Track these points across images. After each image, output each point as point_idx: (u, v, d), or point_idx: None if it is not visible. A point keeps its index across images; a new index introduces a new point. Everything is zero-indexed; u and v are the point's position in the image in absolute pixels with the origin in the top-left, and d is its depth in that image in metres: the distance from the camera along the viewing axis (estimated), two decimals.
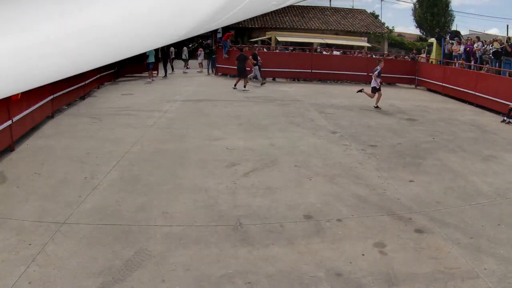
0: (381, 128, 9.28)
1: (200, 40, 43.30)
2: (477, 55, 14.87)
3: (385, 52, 26.43)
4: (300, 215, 4.81)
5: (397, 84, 18.80)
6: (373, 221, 4.71)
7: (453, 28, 30.80)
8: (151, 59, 16.88)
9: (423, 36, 33.36)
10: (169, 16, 1.15)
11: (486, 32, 27.73)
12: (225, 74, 18.79)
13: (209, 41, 35.06)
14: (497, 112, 11.70)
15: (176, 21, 1.19)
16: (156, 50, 18.12)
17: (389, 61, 19.44)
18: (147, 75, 17.20)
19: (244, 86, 14.61)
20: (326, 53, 20.21)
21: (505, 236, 4.39)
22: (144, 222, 4.54)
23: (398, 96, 14.88)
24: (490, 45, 14.25)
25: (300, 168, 6.42)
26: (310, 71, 18.13)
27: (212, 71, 20.48)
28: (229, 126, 8.96)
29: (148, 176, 5.90)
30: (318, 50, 21.64)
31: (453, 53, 16.59)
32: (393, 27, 39.79)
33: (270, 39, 26.37)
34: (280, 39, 25.59)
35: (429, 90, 17.03)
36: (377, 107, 11.75)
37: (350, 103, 12.67)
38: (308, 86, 16.70)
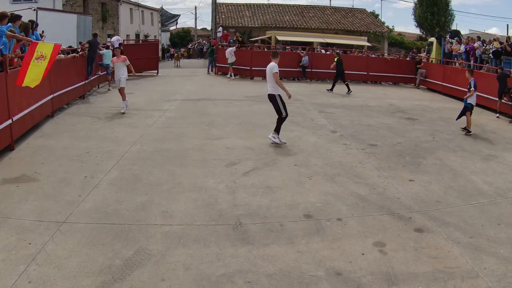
0: (381, 127, 9.28)
1: (199, 40, 43.34)
2: (477, 54, 14.87)
3: (385, 52, 26.43)
4: (300, 214, 4.81)
5: (397, 83, 18.83)
6: (373, 220, 4.71)
7: (453, 27, 30.81)
8: (107, 61, 13.81)
9: (423, 36, 33.36)
10: None
11: (486, 31, 27.73)
12: (225, 73, 18.78)
13: (206, 41, 35.09)
14: (497, 112, 11.70)
15: None
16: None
17: (389, 61, 19.47)
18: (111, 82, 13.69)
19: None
20: (327, 52, 20.18)
21: (505, 236, 4.39)
22: (144, 221, 4.54)
23: (398, 96, 14.89)
24: (491, 44, 14.25)
25: (300, 167, 6.42)
26: (310, 70, 18.13)
27: (212, 70, 20.48)
28: (229, 126, 8.96)
29: (148, 176, 5.90)
30: (318, 49, 21.63)
31: (453, 53, 16.59)
32: (393, 26, 39.92)
33: (270, 38, 26.35)
34: (280, 38, 25.58)
35: (429, 89, 17.04)
36: None
37: (350, 102, 12.67)
38: (307, 85, 16.70)
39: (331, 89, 14.88)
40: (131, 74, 10.62)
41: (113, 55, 15.39)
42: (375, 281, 3.56)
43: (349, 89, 14.60)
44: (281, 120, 7.69)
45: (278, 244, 4.14)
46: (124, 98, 10.24)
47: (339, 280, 3.57)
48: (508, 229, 4.55)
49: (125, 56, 10.47)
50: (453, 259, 3.92)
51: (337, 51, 17.58)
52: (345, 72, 18.06)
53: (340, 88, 15.26)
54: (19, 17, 8.09)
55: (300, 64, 17.93)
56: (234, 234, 4.32)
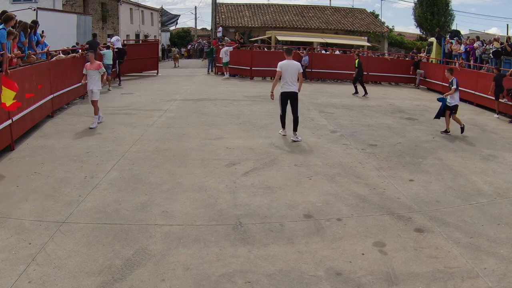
0: (381, 127, 9.28)
1: (199, 40, 43.32)
2: (477, 54, 14.87)
3: (385, 52, 26.43)
4: (300, 215, 4.80)
5: (397, 83, 18.84)
6: (373, 220, 4.71)
7: (453, 27, 30.83)
8: (108, 61, 14.12)
9: (423, 36, 33.37)
10: None
11: (486, 31, 27.76)
12: (223, 73, 18.78)
13: (206, 41, 35.08)
14: (496, 112, 11.71)
15: None
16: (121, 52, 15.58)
17: (390, 61, 19.48)
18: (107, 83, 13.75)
19: None
20: (327, 52, 20.20)
21: (505, 236, 4.39)
22: (144, 221, 4.54)
23: (398, 95, 14.90)
24: (491, 44, 14.26)
25: (300, 167, 6.42)
26: (310, 70, 18.14)
27: (212, 70, 20.48)
28: (229, 125, 8.96)
29: (148, 175, 5.90)
30: (318, 49, 21.63)
31: (453, 53, 16.60)
32: (393, 26, 39.95)
33: (270, 38, 26.37)
34: (280, 38, 25.60)
35: (429, 89, 17.05)
36: None
37: (350, 102, 12.67)
38: (307, 85, 16.69)
39: (365, 93, 14.15)
40: (103, 83, 9.02)
41: (119, 56, 15.22)
42: (375, 281, 3.56)
43: (356, 91, 14.33)
44: (298, 118, 7.91)
45: (278, 244, 4.14)
46: (96, 112, 8.68)
47: (339, 280, 3.57)
48: (508, 229, 4.55)
49: (100, 63, 8.88)
50: (453, 259, 3.92)
51: (357, 53, 17.00)
52: (346, 72, 18.09)
53: (339, 88, 15.27)
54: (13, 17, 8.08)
55: (301, 64, 17.94)
56: (234, 234, 4.32)
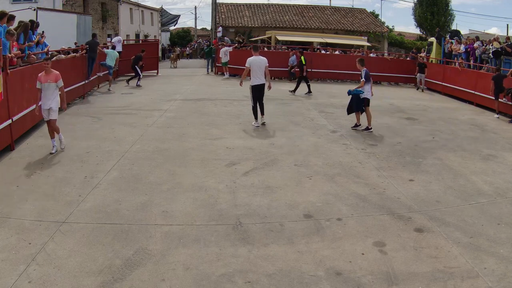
0: (381, 127, 9.28)
1: (199, 40, 43.33)
2: (477, 54, 14.87)
3: (385, 52, 26.43)
4: (300, 214, 4.81)
5: (397, 83, 18.83)
6: (373, 220, 4.71)
7: (453, 27, 30.82)
8: (110, 62, 14.31)
9: (423, 36, 33.36)
10: None
11: (486, 31, 27.78)
12: (223, 73, 18.77)
13: (206, 40, 35.08)
14: (496, 112, 11.70)
15: None
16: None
17: (390, 61, 19.48)
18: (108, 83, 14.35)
19: None
20: (327, 52, 20.19)
21: (505, 236, 4.39)
22: (143, 221, 4.54)
23: (398, 95, 14.89)
24: (490, 44, 14.26)
25: (300, 167, 6.42)
26: (310, 70, 18.10)
27: (212, 70, 20.48)
28: (229, 125, 8.96)
29: (148, 175, 5.90)
30: (317, 49, 21.63)
31: (453, 53, 16.59)
32: (393, 26, 39.96)
33: (270, 38, 26.36)
34: (280, 38, 25.59)
35: (429, 89, 17.04)
36: None
37: None
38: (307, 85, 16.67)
39: (309, 91, 14.03)
40: (62, 106, 7.01)
41: (136, 61, 15.25)
42: (375, 281, 3.56)
43: (294, 90, 14.15)
44: (263, 104, 9.13)
45: (278, 244, 4.14)
46: (58, 132, 6.93)
47: (339, 280, 3.57)
48: (508, 229, 4.55)
49: (57, 73, 6.86)
50: (453, 259, 3.92)
51: (300, 49, 16.61)
52: (346, 72, 18.07)
53: (338, 88, 15.22)
54: (12, 17, 8.08)
55: (288, 64, 17.93)
56: (234, 234, 4.32)
